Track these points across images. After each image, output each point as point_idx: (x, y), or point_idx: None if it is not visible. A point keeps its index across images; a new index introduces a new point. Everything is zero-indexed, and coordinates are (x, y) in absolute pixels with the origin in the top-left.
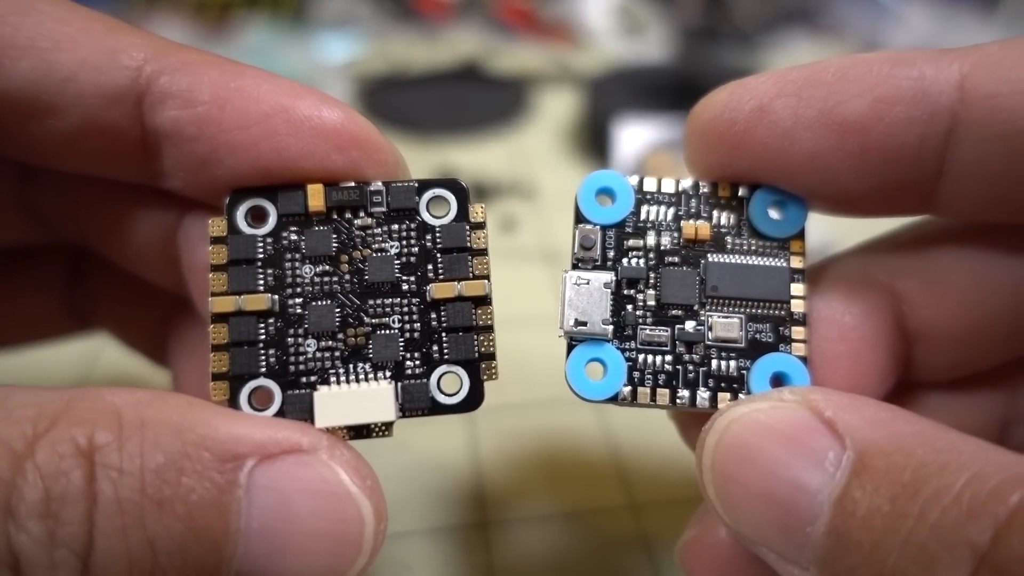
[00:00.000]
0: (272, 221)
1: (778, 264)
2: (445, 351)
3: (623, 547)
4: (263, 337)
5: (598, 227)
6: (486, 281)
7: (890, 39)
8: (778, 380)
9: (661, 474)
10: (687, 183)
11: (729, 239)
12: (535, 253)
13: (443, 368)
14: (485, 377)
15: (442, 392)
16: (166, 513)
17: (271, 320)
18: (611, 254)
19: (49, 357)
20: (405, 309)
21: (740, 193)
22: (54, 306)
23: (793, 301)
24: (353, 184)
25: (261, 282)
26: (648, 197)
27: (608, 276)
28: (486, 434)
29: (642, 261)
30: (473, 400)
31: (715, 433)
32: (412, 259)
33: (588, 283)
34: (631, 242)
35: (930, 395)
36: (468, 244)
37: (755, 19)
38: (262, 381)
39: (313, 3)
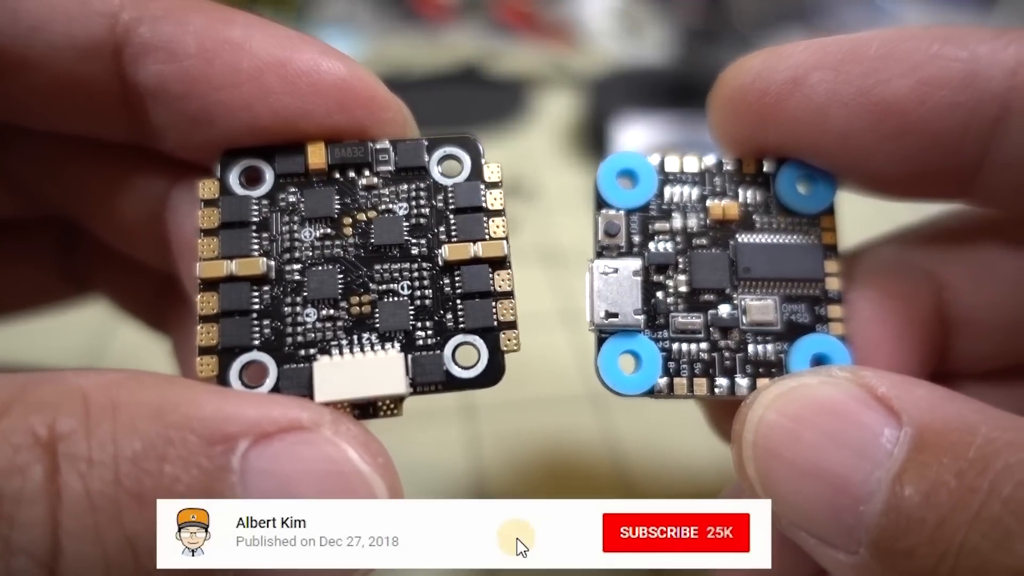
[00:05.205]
0: (268, 182)
1: (810, 241)
2: (460, 319)
3: None
4: (257, 306)
5: (622, 212)
6: (504, 242)
7: None
8: (819, 362)
9: (661, 474)
10: (710, 161)
11: (757, 217)
12: (535, 254)
13: (459, 338)
14: (505, 348)
15: (458, 365)
16: (147, 507)
17: (266, 287)
18: (636, 239)
19: (61, 332)
20: (415, 274)
21: (765, 168)
22: (49, 273)
23: (828, 279)
24: (357, 141)
25: (256, 245)
26: (671, 177)
27: (637, 263)
28: (486, 434)
29: (670, 245)
30: (492, 374)
31: (759, 407)
32: (422, 220)
33: (616, 272)
34: (657, 225)
35: (963, 385)
36: (483, 204)
37: (754, 19)
38: (255, 355)
39: (314, 4)
